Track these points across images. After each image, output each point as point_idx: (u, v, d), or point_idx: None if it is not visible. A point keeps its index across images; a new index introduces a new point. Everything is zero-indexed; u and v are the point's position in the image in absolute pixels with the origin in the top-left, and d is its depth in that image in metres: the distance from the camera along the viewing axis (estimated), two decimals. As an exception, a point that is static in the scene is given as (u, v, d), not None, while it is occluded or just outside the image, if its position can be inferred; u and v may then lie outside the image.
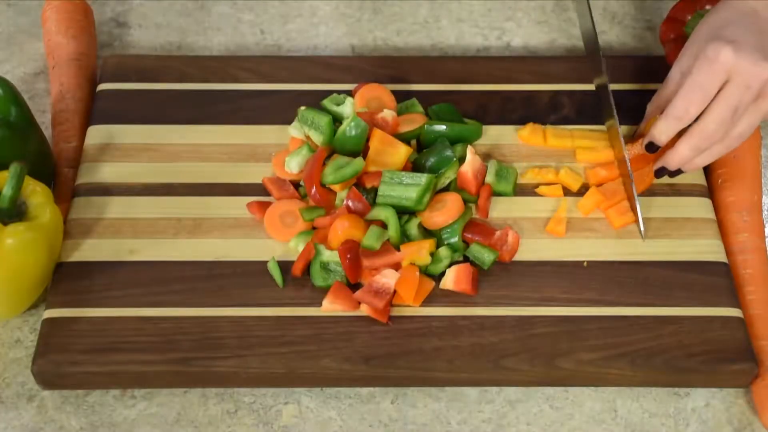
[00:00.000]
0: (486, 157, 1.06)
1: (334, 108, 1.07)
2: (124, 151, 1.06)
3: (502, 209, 1.02)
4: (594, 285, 0.96)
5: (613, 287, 0.96)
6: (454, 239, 0.97)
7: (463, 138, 1.05)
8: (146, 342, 0.91)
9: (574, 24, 1.25)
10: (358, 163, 0.98)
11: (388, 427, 0.91)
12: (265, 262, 0.97)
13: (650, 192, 1.03)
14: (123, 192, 1.02)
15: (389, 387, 0.93)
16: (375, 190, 0.99)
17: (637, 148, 1.03)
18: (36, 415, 0.91)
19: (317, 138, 1.02)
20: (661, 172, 1.00)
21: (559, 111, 1.10)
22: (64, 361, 0.90)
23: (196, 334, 0.92)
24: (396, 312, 0.94)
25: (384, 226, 0.97)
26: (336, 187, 0.99)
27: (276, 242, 0.99)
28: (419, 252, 0.95)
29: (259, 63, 1.14)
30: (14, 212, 0.92)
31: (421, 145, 1.05)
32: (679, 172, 1.00)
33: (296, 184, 1.03)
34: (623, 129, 1.06)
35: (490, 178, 1.02)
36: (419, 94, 1.10)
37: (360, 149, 1.01)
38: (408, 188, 0.97)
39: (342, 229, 0.95)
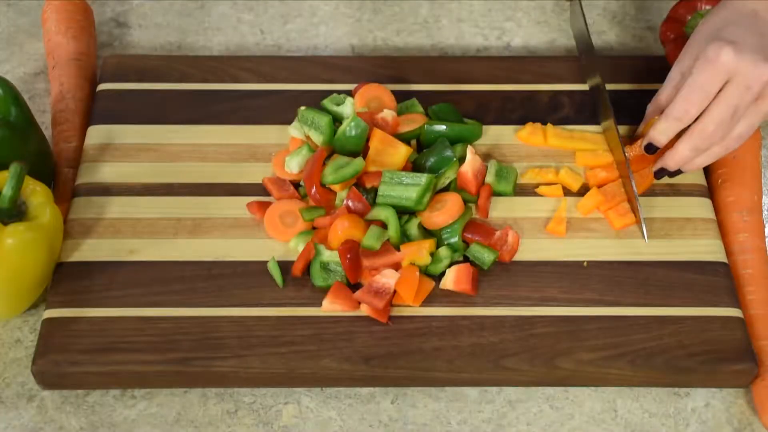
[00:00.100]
0: (486, 157, 1.06)
1: (334, 108, 1.07)
2: (124, 151, 1.06)
3: (502, 209, 1.02)
4: (594, 285, 0.96)
5: (613, 287, 0.96)
6: (454, 239, 0.97)
7: (463, 138, 1.05)
8: (146, 342, 0.91)
9: (574, 24, 1.25)
10: (358, 163, 0.98)
11: (388, 427, 0.91)
12: (265, 262, 0.97)
13: (650, 192, 1.03)
14: (123, 192, 1.02)
15: (389, 387, 0.93)
16: (375, 190, 0.99)
17: (637, 149, 1.03)
18: (36, 415, 0.91)
19: (317, 138, 1.02)
20: (660, 173, 1.00)
21: (559, 111, 1.10)
22: (64, 361, 0.90)
23: (196, 334, 0.92)
24: (396, 312, 0.94)
25: (384, 226, 0.97)
26: (336, 187, 0.99)
27: (276, 242, 0.99)
28: (419, 252, 0.95)
29: (259, 63, 1.14)
30: (14, 212, 0.92)
31: (421, 145, 1.05)
32: (678, 172, 1.00)
33: (296, 184, 1.03)
34: (622, 130, 1.06)
35: (490, 178, 1.02)
36: (419, 94, 1.10)
37: (360, 149, 1.01)
38: (408, 188, 0.97)
39: (342, 229, 0.95)
